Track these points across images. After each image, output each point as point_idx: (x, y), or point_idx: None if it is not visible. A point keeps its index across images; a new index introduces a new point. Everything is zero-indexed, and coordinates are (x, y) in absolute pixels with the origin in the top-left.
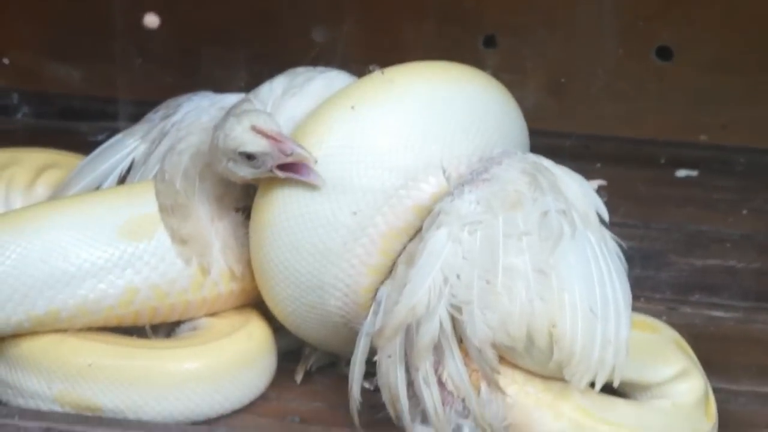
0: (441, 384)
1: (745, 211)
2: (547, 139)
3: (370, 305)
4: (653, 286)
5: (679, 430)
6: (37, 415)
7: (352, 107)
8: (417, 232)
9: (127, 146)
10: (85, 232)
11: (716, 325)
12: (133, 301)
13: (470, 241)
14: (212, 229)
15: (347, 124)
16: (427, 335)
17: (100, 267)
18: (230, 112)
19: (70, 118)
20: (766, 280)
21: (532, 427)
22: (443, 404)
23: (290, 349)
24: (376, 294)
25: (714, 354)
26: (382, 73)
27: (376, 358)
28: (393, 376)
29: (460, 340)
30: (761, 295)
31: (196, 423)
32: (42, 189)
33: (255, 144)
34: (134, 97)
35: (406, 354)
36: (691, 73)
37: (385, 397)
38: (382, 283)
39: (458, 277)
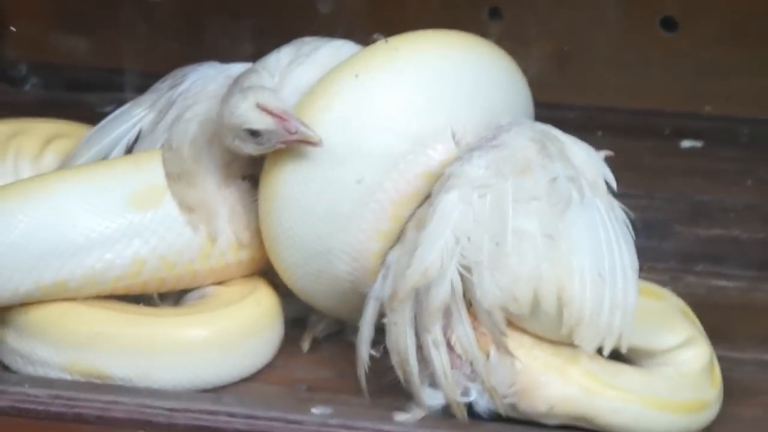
0: (449, 347)
1: (749, 182)
2: (551, 111)
3: (379, 270)
4: (657, 256)
5: (684, 396)
6: (46, 382)
7: (356, 75)
8: (426, 199)
9: (134, 116)
10: (92, 202)
11: (720, 294)
12: (140, 271)
13: (480, 204)
14: (219, 196)
15: (352, 92)
16: (438, 297)
17: (108, 237)
18: (237, 83)
19: (78, 90)
20: None
21: (540, 391)
22: (452, 367)
23: (297, 317)
24: (385, 259)
25: (718, 323)
26: (386, 42)
27: (384, 321)
28: (402, 339)
29: (469, 305)
30: (765, 264)
31: (204, 391)
32: (50, 159)
33: (260, 122)
34: (141, 68)
35: (415, 317)
36: (696, 44)
37: (394, 360)
38: (390, 248)
39: (469, 239)
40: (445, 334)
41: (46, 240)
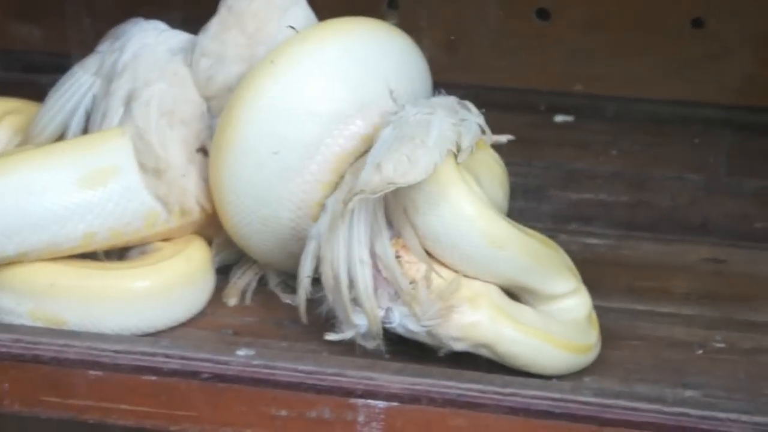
0: (377, 269)
1: (614, 152)
2: (443, 90)
3: (318, 217)
4: (535, 217)
5: (574, 338)
6: (8, 328)
7: (272, 61)
8: (362, 154)
9: (84, 83)
10: (48, 184)
11: (590, 251)
12: (92, 242)
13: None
14: (186, 174)
15: (286, 73)
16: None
17: (62, 215)
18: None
19: (32, 72)
20: (633, 211)
21: (453, 317)
22: (376, 288)
23: (225, 264)
24: (324, 204)
25: (589, 276)
26: (297, 32)
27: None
28: (336, 259)
29: (398, 235)
30: (629, 224)
31: (145, 335)
32: (3, 132)
33: None
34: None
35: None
36: (567, 31)
37: (327, 284)
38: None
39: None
40: (372, 256)
41: (8, 218)
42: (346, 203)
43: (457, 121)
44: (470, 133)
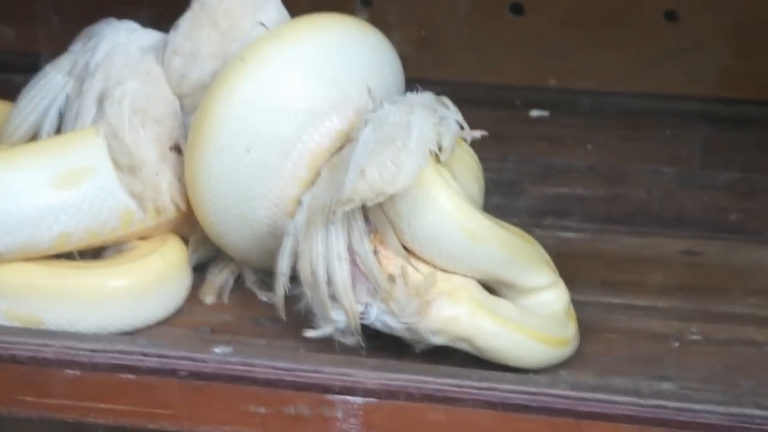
0: (354, 264)
1: (589, 146)
2: (418, 86)
3: (295, 213)
4: (511, 212)
5: (551, 330)
6: None
7: (242, 59)
8: (338, 150)
9: (58, 83)
10: (22, 185)
11: (566, 245)
12: (67, 242)
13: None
14: (160, 172)
15: (264, 69)
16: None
17: (36, 216)
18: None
19: (5, 71)
20: (609, 205)
21: (432, 311)
22: (354, 283)
23: (202, 262)
24: (300, 200)
25: (565, 270)
26: (268, 29)
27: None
28: (315, 255)
29: (375, 231)
30: (604, 218)
31: (123, 333)
32: None
33: None
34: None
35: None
36: (541, 26)
37: (305, 280)
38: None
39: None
40: (350, 252)
41: None
42: (335, 212)
43: (437, 120)
44: (450, 132)
